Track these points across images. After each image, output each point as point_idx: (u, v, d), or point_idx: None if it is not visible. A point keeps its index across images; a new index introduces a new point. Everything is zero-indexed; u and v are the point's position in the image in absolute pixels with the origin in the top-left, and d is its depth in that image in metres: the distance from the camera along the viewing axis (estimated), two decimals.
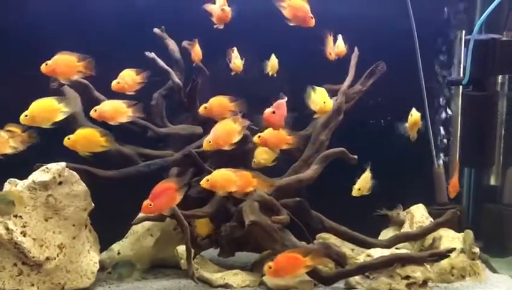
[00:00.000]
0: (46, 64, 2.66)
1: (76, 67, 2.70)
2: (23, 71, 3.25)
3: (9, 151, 2.61)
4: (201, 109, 2.79)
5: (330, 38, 3.14)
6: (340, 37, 3.19)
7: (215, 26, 2.93)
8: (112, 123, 2.77)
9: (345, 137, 3.23)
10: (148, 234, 3.23)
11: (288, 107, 2.76)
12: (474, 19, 3.54)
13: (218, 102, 2.79)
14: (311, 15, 2.79)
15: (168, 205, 2.61)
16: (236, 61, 3.17)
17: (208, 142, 2.65)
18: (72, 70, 2.70)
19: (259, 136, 2.72)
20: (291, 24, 2.81)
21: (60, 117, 2.65)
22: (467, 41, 3.13)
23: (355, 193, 2.97)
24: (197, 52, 3.23)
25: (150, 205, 2.54)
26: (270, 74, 3.25)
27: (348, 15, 3.45)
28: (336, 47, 3.18)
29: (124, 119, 2.78)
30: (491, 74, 3.16)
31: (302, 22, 2.79)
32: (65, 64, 2.68)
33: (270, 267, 2.56)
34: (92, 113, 2.75)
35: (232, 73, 3.19)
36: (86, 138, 2.72)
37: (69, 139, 2.69)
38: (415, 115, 3.09)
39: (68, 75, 2.71)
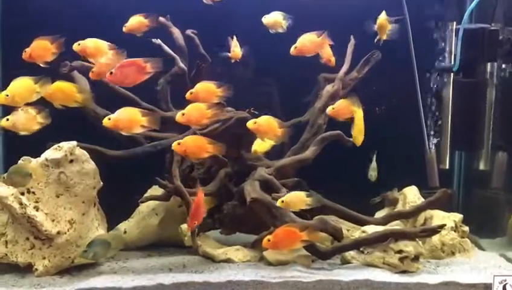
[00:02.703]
0: (25, 52, 2.79)
1: (50, 50, 2.83)
2: None
3: (36, 127, 2.72)
4: (187, 95, 2.89)
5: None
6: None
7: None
8: (91, 61, 2.86)
9: (341, 122, 3.37)
10: (153, 213, 3.35)
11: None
12: (465, 11, 3.70)
13: (204, 87, 2.90)
14: None
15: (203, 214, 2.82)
16: (235, 49, 3.25)
17: (107, 119, 2.74)
18: (47, 53, 2.83)
19: (182, 114, 2.84)
20: None
21: (35, 98, 2.74)
22: (457, 31, 3.30)
23: (279, 203, 2.87)
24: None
25: (195, 223, 2.74)
26: (273, 31, 3.13)
27: (343, 5, 3.60)
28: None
29: (103, 60, 2.85)
30: (480, 61, 3.32)
31: None
32: (40, 48, 2.81)
33: (269, 240, 2.71)
34: (75, 47, 2.83)
35: (232, 61, 3.32)
36: (62, 91, 2.82)
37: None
38: (380, 18, 3.06)
39: (44, 58, 2.83)
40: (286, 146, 3.40)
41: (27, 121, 2.71)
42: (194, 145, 2.82)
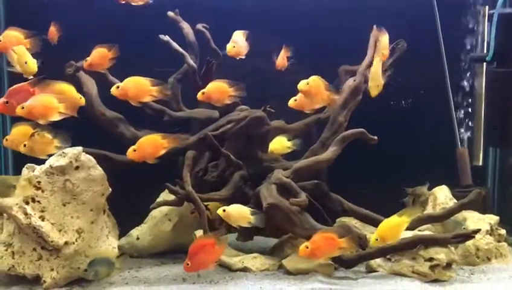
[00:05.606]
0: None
1: (23, 44, 2.75)
2: None
3: (53, 151, 2.73)
4: (199, 95, 2.75)
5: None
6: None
7: None
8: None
9: (364, 118, 3.16)
10: (166, 219, 3.24)
11: None
12: None
13: (217, 87, 2.73)
14: None
15: (208, 262, 2.59)
16: (228, 45, 3.00)
17: (20, 107, 2.60)
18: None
19: (117, 86, 2.72)
20: None
21: None
22: (491, 16, 3.05)
23: (219, 211, 2.73)
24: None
25: (188, 264, 2.53)
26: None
27: None
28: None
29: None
30: None
31: None
32: (16, 41, 2.74)
33: (307, 247, 2.54)
34: None
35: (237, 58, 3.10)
36: None
37: None
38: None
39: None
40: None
41: (44, 145, 2.73)
42: (149, 146, 2.71)
